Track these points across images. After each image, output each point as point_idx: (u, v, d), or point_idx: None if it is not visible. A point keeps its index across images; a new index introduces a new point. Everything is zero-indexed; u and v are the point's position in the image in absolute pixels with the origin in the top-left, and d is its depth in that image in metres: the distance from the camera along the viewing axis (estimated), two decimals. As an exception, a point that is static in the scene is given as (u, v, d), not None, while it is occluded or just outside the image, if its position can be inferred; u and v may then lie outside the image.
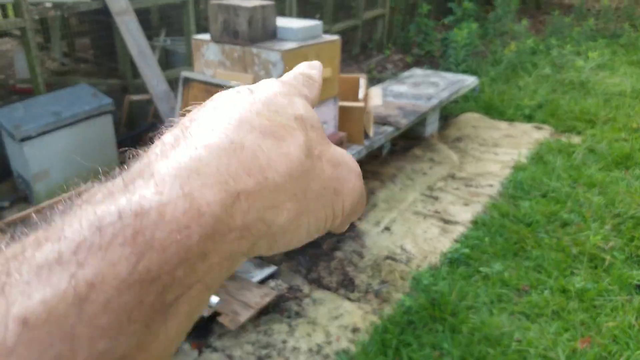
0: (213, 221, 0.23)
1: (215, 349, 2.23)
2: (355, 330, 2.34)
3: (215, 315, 2.29)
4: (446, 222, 3.23)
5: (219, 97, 0.30)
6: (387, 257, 2.88)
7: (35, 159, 3.19)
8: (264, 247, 0.28)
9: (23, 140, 3.09)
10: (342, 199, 0.31)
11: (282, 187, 0.26)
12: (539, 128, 4.64)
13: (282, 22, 2.88)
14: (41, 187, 3.25)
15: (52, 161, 3.27)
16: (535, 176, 3.60)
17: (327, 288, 2.63)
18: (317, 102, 0.35)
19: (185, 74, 2.98)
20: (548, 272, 2.68)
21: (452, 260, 2.77)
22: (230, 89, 0.31)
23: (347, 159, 0.32)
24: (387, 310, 2.45)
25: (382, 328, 2.29)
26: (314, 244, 2.99)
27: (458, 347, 2.17)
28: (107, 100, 3.51)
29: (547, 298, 2.49)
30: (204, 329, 2.33)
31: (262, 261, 2.76)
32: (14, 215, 2.32)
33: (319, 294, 2.58)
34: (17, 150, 3.21)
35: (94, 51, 5.70)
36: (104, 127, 3.53)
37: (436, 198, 3.52)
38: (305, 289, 2.62)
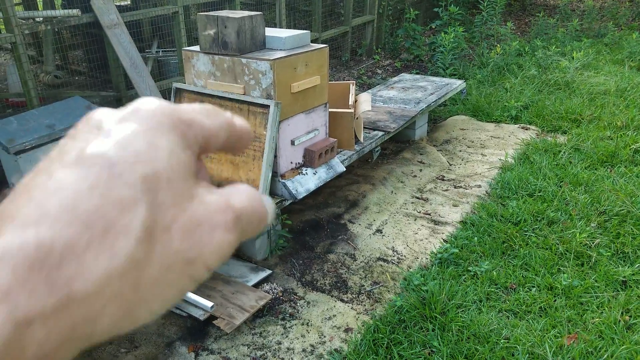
0: None
1: (211, 352, 2.27)
2: (347, 330, 2.38)
3: (211, 318, 2.33)
4: (436, 223, 3.28)
5: (66, 144, 0.26)
6: (379, 259, 2.93)
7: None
8: (102, 337, 0.25)
9: (17, 153, 3.13)
10: (203, 262, 0.27)
11: (98, 294, 0.23)
12: (525, 128, 4.71)
13: (270, 31, 2.94)
14: (37, 199, 3.28)
15: (47, 173, 3.30)
16: (522, 176, 3.66)
17: (321, 290, 2.67)
18: (224, 132, 0.31)
19: (176, 85, 3.03)
20: (535, 270, 2.73)
21: (442, 261, 2.82)
22: (93, 116, 0.28)
23: (212, 213, 0.27)
24: (379, 310, 2.50)
25: (374, 327, 2.33)
26: (308, 247, 3.03)
27: (447, 345, 2.22)
28: (100, 112, 3.54)
29: (534, 295, 2.54)
30: (200, 332, 2.37)
31: (256, 266, 2.80)
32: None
33: (312, 296, 2.62)
34: (12, 163, 3.24)
35: (88, 64, 5.73)
36: (99, 138, 3.56)
37: (426, 200, 3.58)
38: (300, 291, 2.66)
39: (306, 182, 2.91)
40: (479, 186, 3.72)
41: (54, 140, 3.29)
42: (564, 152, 4.05)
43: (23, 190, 0.24)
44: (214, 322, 2.31)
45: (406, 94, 4.60)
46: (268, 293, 2.58)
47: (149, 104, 0.28)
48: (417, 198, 3.61)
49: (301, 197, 2.83)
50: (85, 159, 0.25)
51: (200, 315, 2.31)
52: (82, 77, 5.81)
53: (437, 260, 2.83)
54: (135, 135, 0.26)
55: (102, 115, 0.28)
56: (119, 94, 4.38)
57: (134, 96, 4.27)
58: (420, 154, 4.28)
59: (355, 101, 3.60)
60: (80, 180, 0.24)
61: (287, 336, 2.35)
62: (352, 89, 3.58)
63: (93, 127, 0.27)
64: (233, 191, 0.29)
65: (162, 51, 5.30)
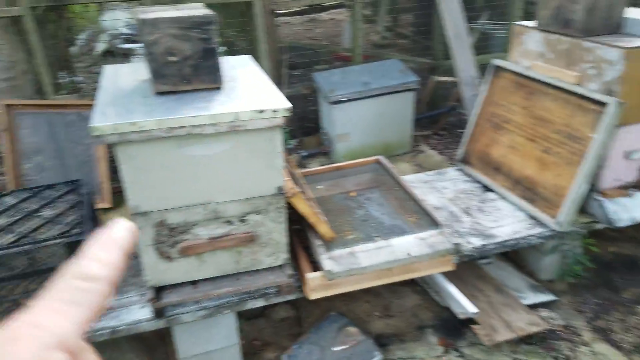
0: None
1: (462, 355, 2.17)
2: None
3: (470, 321, 2.21)
4: None
5: None
6: None
7: (340, 121, 3.61)
8: None
9: (334, 103, 3.52)
10: None
11: None
12: None
13: (633, 13, 2.46)
14: (341, 147, 3.68)
15: (353, 126, 3.65)
16: None
17: (616, 346, 2.22)
18: (104, 307, 0.30)
19: (496, 62, 2.87)
20: None
21: None
22: None
23: None
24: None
25: None
26: (611, 287, 2.55)
27: None
28: (412, 78, 3.68)
29: None
30: (454, 329, 2.29)
31: (538, 285, 2.51)
32: (314, 168, 2.69)
33: (602, 348, 2.20)
34: (327, 111, 3.68)
35: (413, 28, 6.04)
36: (405, 103, 3.73)
37: None
38: (586, 335, 2.27)
39: (634, 208, 2.42)
40: None
41: (367, 97, 3.59)
42: None
43: None
44: (472, 326, 2.19)
45: None
46: (545, 321, 2.29)
47: (9, 335, 0.28)
48: None
49: (622, 225, 2.37)
50: None
51: (459, 313, 2.21)
52: (406, 41, 6.16)
53: None
54: None
55: None
56: (436, 62, 4.47)
57: (449, 67, 4.29)
58: None
59: None
60: None
61: (554, 379, 2.06)
62: None
63: None
64: None
65: (491, 24, 5.15)
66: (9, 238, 1.92)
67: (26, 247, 1.86)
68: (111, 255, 0.31)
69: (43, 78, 3.46)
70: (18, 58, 3.93)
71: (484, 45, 5.02)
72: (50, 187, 2.31)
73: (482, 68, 4.24)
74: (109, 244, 0.31)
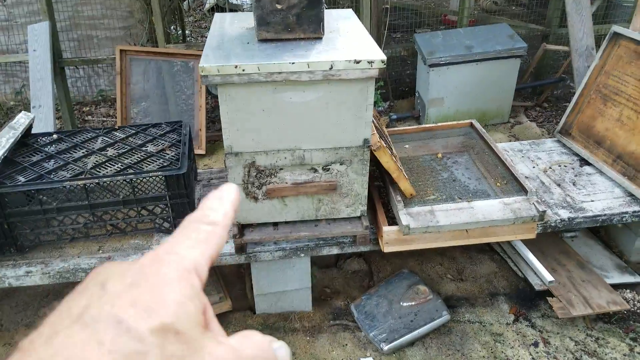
0: None
1: (532, 326, 2.20)
2: None
3: (546, 292, 2.22)
4: None
5: (72, 299, 0.30)
6: None
7: (436, 85, 3.61)
8: None
9: (432, 66, 3.53)
10: None
11: None
12: None
13: None
14: (433, 112, 3.69)
15: (449, 91, 3.63)
16: None
17: None
18: (221, 248, 0.36)
19: (616, 28, 2.73)
20: None
21: None
22: (99, 273, 0.32)
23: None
24: None
25: None
26: None
27: None
28: (521, 44, 3.57)
29: None
30: (528, 300, 2.31)
31: (626, 266, 2.43)
32: (402, 128, 2.76)
33: (689, 338, 2.13)
34: (424, 74, 3.69)
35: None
36: (509, 70, 3.64)
37: None
38: (674, 324, 2.20)
39: None
40: None
41: (467, 61, 3.55)
42: None
43: (28, 348, 0.28)
44: (548, 298, 2.19)
45: None
46: (627, 302, 2.23)
47: (153, 259, 0.32)
48: None
49: None
50: (90, 317, 0.28)
51: (536, 284, 2.22)
52: (520, 8, 5.90)
53: None
54: (141, 291, 0.30)
55: (108, 272, 0.32)
56: (548, 29, 4.27)
57: (563, 35, 4.09)
58: None
59: None
60: (86, 339, 0.27)
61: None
62: None
63: (97, 285, 0.31)
64: (243, 342, 0.32)
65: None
66: (116, 167, 2.18)
67: (130, 176, 2.10)
68: (225, 207, 0.39)
69: (156, 28, 3.77)
70: (135, 8, 4.32)
71: (606, 14, 4.70)
72: (154, 125, 2.57)
73: (601, 39, 4.00)
74: (223, 198, 0.39)
